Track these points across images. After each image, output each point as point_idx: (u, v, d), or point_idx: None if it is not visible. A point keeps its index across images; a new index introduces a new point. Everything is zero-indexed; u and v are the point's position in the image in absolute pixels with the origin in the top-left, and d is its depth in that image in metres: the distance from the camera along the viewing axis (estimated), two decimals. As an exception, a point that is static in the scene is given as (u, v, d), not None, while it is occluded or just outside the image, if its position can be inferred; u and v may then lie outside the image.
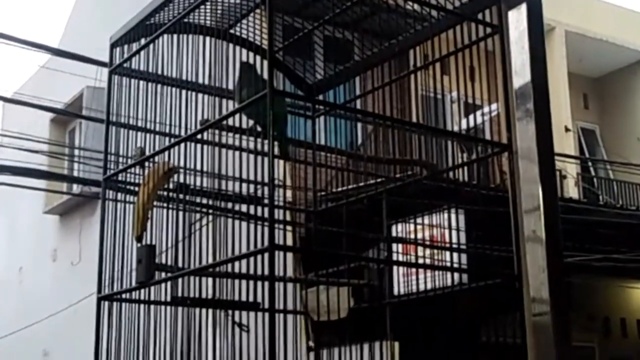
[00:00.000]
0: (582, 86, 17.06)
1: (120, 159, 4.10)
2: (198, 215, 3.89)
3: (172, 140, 3.76)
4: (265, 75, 3.19)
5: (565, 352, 3.32)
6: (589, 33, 15.87)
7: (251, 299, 3.54)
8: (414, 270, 6.12)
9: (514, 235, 3.50)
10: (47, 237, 16.35)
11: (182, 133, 3.72)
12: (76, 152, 14.18)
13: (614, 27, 16.20)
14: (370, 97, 4.38)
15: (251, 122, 3.70)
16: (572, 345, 3.38)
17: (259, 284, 3.41)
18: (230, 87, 3.86)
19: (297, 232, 9.07)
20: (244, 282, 3.59)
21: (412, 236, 5.66)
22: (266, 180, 3.08)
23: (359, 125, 10.08)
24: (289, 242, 8.79)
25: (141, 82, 4.01)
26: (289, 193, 9.22)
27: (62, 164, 13.91)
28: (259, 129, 3.57)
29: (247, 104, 3.33)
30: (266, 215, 3.03)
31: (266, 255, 2.95)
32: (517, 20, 3.64)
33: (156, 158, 3.82)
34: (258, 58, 3.92)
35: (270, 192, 2.96)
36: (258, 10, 3.97)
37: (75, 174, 13.30)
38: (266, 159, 3.16)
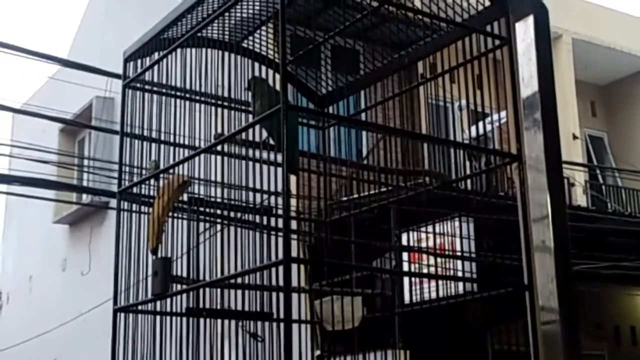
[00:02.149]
0: (590, 94, 17.04)
1: (135, 171, 4.14)
2: (212, 226, 3.93)
3: (186, 152, 3.80)
4: (278, 86, 3.22)
5: (574, 360, 3.34)
6: (596, 40, 15.86)
7: (264, 309, 3.57)
8: (423, 278, 6.13)
9: (523, 245, 3.52)
10: (56, 246, 16.41)
11: (196, 145, 3.76)
12: (85, 162, 14.24)
13: (621, 35, 16.19)
14: (379, 107, 4.41)
15: (265, 133, 3.73)
16: (581, 354, 3.39)
17: (271, 293, 3.44)
18: (242, 99, 3.91)
19: (306, 242, 9.07)
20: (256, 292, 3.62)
21: (421, 245, 5.70)
22: (279, 190, 3.10)
23: (367, 134, 10.12)
24: (298, 251, 8.81)
25: (154, 96, 4.06)
26: (297, 202, 9.22)
27: (72, 174, 13.96)
28: (272, 141, 3.61)
29: (261, 118, 3.37)
30: (280, 226, 3.05)
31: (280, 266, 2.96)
32: (525, 32, 3.66)
33: (170, 170, 3.87)
34: (270, 70, 3.96)
35: (284, 204, 2.97)
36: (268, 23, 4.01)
37: (85, 183, 13.36)
38: (279, 170, 3.18)
